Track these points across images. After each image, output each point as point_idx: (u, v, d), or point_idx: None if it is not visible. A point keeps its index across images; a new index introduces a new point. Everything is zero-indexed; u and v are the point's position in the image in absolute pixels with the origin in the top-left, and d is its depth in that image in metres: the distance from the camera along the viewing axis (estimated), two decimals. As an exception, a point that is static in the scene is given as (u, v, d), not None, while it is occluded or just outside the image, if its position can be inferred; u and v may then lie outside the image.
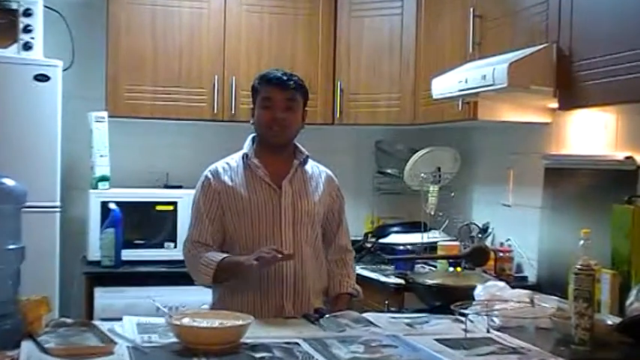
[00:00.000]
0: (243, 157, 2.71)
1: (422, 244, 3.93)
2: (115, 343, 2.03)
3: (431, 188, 4.06)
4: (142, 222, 4.00)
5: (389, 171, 4.48)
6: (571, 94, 2.66)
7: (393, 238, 4.18)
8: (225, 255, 2.60)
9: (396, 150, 4.46)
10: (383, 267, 3.88)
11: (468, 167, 4.18)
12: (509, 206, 3.79)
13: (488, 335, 2.29)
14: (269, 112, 2.65)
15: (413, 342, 2.19)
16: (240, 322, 2.14)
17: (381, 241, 4.20)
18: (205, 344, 2.04)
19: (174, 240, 3.96)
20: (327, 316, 2.47)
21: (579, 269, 2.19)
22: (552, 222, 3.36)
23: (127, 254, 3.87)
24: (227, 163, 2.74)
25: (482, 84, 2.87)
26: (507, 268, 3.54)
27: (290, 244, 2.63)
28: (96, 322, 2.28)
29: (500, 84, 2.76)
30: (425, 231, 3.94)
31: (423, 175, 4.07)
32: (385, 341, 2.20)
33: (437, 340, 2.22)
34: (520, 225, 3.67)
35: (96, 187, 3.93)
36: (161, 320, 2.28)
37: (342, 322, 2.42)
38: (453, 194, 4.14)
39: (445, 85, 3.23)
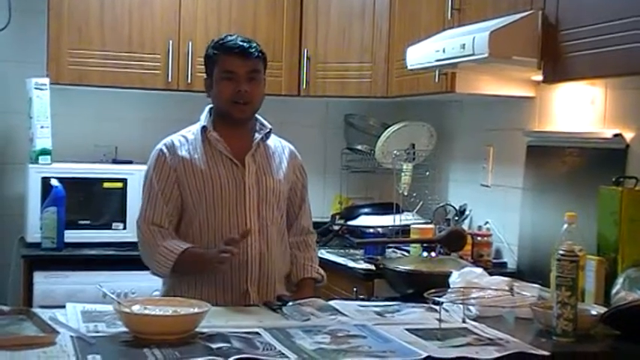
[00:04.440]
0: (201, 130, 2.70)
1: (394, 226, 3.94)
2: (57, 333, 2.01)
3: (404, 166, 4.08)
4: (88, 200, 3.96)
5: (359, 147, 4.49)
6: (557, 66, 2.69)
7: (362, 220, 4.20)
8: (186, 246, 2.58)
9: (367, 125, 4.47)
10: (351, 251, 3.91)
11: (445, 144, 4.20)
12: (488, 187, 3.83)
13: (464, 325, 2.31)
14: (232, 85, 2.62)
15: (383, 332, 2.21)
16: (196, 310, 2.14)
17: (349, 223, 4.22)
18: (157, 334, 2.04)
19: (123, 220, 3.93)
20: (290, 303, 2.48)
21: (562, 255, 2.22)
22: (535, 204, 3.40)
23: (71, 235, 3.83)
24: (183, 136, 2.72)
25: (461, 54, 2.89)
26: (485, 253, 3.58)
27: (255, 226, 2.63)
28: (35, 310, 2.25)
29: (480, 54, 2.78)
30: (397, 213, 3.96)
31: (395, 152, 4.09)
32: (353, 331, 2.21)
33: (408, 330, 2.24)
34: (500, 207, 3.70)
35: (36, 162, 3.88)
36: (109, 308, 2.26)
37: (307, 310, 2.43)
38: (427, 173, 4.17)
39: (421, 55, 3.24)
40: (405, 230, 3.88)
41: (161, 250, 2.58)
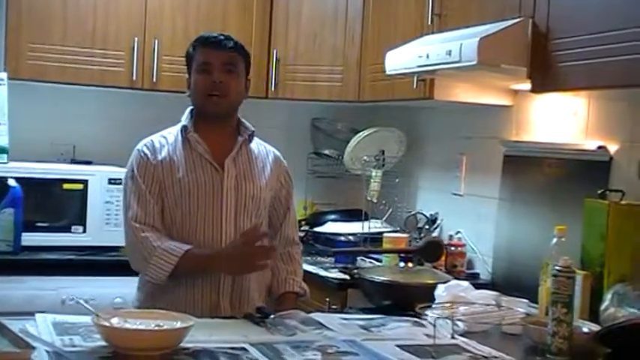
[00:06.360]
0: (181, 131, 2.60)
1: (363, 234, 3.87)
2: (33, 348, 1.89)
3: (373, 173, 4.02)
4: (46, 202, 3.80)
5: (326, 152, 4.42)
6: (547, 75, 2.63)
7: (329, 227, 4.13)
8: (186, 247, 2.47)
9: (334, 129, 4.40)
10: (319, 259, 3.83)
11: (416, 151, 4.15)
12: (460, 195, 3.77)
13: (455, 342, 2.24)
14: (206, 77, 2.56)
15: (373, 348, 2.13)
16: (180, 325, 2.03)
17: (316, 229, 4.13)
18: (140, 349, 1.94)
19: (83, 224, 3.78)
20: (272, 316, 2.39)
21: (559, 271, 2.16)
22: (512, 215, 3.35)
23: (28, 238, 3.66)
24: (164, 137, 2.63)
25: (447, 60, 2.82)
26: (459, 263, 3.53)
27: (231, 233, 2.54)
28: (5, 322, 2.11)
29: (468, 61, 2.71)
30: (365, 220, 3.89)
31: (365, 158, 4.02)
32: (343, 347, 2.13)
33: (399, 346, 2.17)
34: (472, 217, 3.65)
35: (-9, 160, 3.72)
36: (81, 319, 2.15)
37: (291, 323, 2.34)
38: (397, 180, 4.11)
39: (401, 60, 3.17)
40: (375, 238, 3.81)
41: (159, 253, 2.46)
